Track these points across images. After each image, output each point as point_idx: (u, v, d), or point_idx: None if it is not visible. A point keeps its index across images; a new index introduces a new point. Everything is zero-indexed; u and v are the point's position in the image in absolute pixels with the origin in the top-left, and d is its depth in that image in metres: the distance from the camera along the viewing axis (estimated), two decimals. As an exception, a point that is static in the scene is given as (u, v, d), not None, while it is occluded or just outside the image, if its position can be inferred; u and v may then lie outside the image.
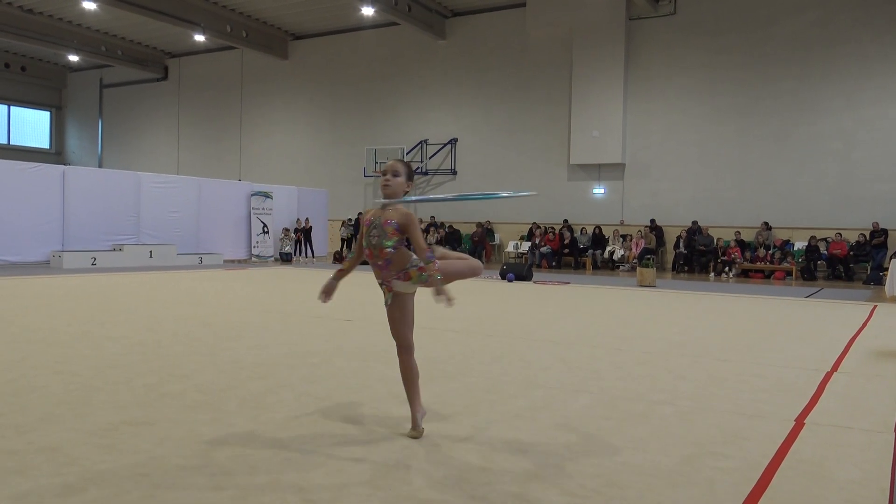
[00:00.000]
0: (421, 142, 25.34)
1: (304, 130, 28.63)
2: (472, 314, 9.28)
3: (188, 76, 31.84)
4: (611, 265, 21.07)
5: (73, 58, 29.88)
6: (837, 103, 19.41)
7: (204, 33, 25.08)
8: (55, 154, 36.34)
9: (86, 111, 35.79)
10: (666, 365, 6.14)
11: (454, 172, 24.90)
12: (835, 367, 6.19)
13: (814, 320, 9.77)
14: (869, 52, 19.06)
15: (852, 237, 18.63)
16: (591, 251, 21.19)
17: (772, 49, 20.10)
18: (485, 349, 6.67)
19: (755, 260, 18.90)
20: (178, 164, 31.90)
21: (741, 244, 19.41)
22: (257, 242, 21.57)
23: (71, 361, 5.69)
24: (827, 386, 5.41)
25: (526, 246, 21.78)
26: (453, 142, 24.97)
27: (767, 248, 19.02)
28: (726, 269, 18.88)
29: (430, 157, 25.18)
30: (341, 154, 27.35)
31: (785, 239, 19.55)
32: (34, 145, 36.02)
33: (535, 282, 15.44)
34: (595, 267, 21.02)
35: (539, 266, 20.65)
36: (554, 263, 21.00)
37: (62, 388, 4.78)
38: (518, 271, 15.88)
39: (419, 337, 7.29)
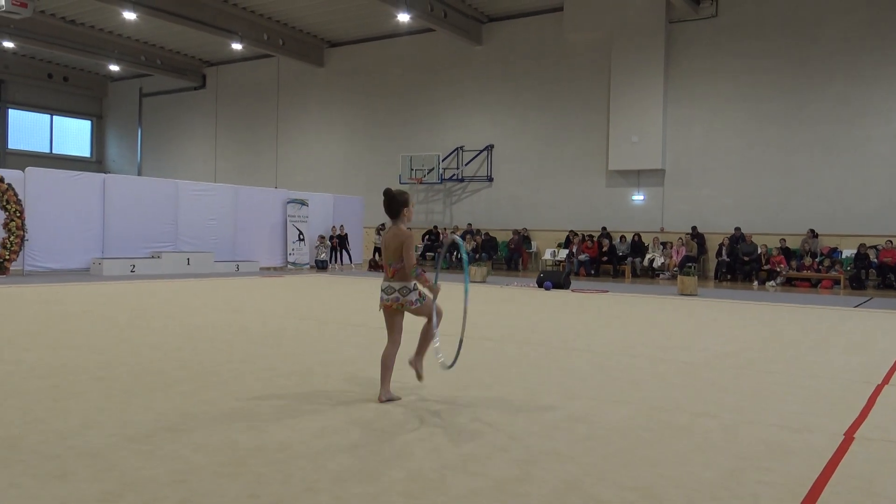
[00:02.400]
0: (457, 148, 25.37)
1: (340, 137, 28.87)
2: (508, 323, 9.25)
3: (225, 84, 32.35)
4: (651, 273, 20.83)
5: (114, 67, 30.59)
6: (888, 105, 18.95)
7: (241, 42, 25.48)
8: (96, 162, 37.20)
9: (125, 120, 36.58)
10: (708, 376, 6.05)
11: (490, 179, 24.88)
12: (886, 380, 6.03)
13: (863, 331, 9.54)
14: (921, 54, 18.62)
15: (904, 245, 18.16)
16: (630, 259, 20.98)
17: (818, 51, 19.73)
18: (522, 358, 6.64)
19: (801, 268, 18.53)
20: (215, 171, 32.39)
21: (786, 252, 19.05)
22: (293, 250, 21.77)
23: (111, 367, 5.80)
24: (878, 399, 5.28)
25: (563, 254, 21.65)
26: (489, 148, 24.96)
27: (814, 256, 18.64)
28: (771, 277, 18.55)
29: (465, 164, 25.20)
30: (376, 161, 27.52)
31: (832, 246, 19.13)
32: (76, 154, 36.92)
33: (572, 290, 15.34)
34: (634, 275, 20.80)
35: (577, 274, 20.52)
36: (592, 271, 20.84)
37: (102, 394, 4.88)
38: (555, 279, 15.79)
39: (448, 344, 7.27)
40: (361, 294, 13.61)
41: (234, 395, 4.92)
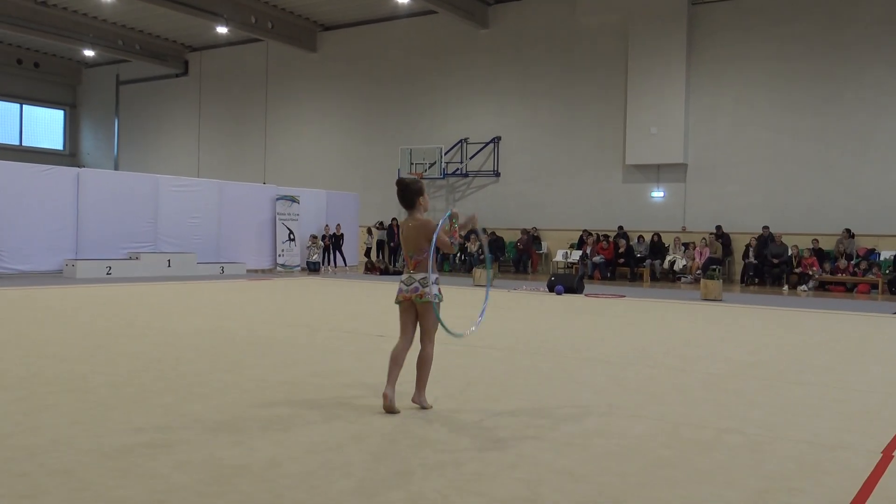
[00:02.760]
0: (461, 140, 25.39)
1: (334, 129, 28.91)
2: (517, 331, 9.25)
3: (210, 71, 32.41)
4: (671, 277, 20.82)
5: (89, 53, 30.68)
6: (930, 95, 18.96)
7: (227, 25, 25.53)
8: (69, 156, 37.28)
9: (101, 110, 36.67)
10: (734, 388, 6.05)
11: (497, 174, 24.89)
12: (928, 393, 6.03)
13: (903, 339, 9.53)
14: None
15: (947, 246, 18.14)
16: (648, 261, 20.97)
17: (854, 34, 19.71)
18: (531, 369, 6.64)
19: (835, 271, 18.50)
20: (198, 165, 32.45)
21: (819, 254, 19.03)
22: (283, 251, 21.79)
23: (85, 378, 5.82)
24: (919, 414, 5.28)
25: (576, 255, 21.65)
26: (496, 140, 24.97)
27: (849, 257, 18.61)
28: (802, 281, 18.53)
29: (470, 158, 25.22)
30: (374, 154, 27.55)
31: (870, 248, 19.10)
32: (47, 146, 37.00)
33: (586, 295, 15.33)
34: (653, 279, 20.79)
35: (591, 277, 20.51)
36: (608, 275, 20.83)
37: (75, 408, 4.89)
38: (568, 283, 15.79)
39: (458, 355, 7.23)
40: (356, 299, 13.61)
41: (218, 408, 4.93)
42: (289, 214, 21.98)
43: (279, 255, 21.73)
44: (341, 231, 22.91)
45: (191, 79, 33.06)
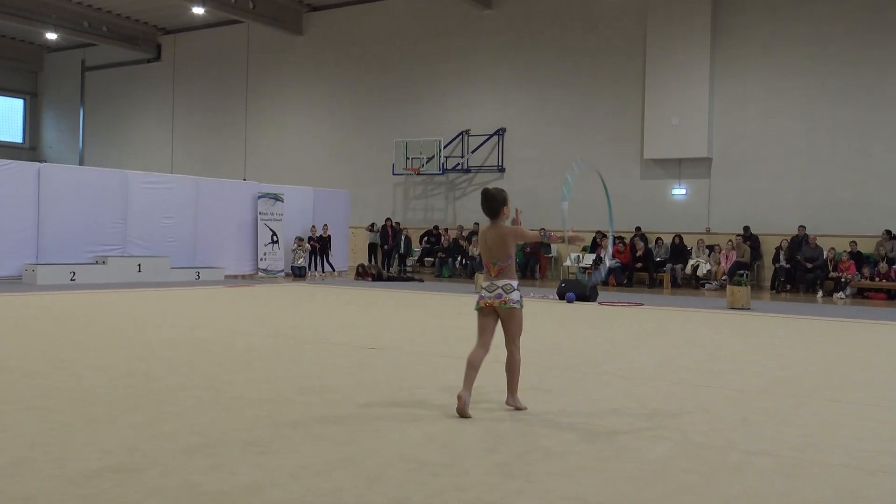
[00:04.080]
0: (462, 133, 25.40)
1: (322, 120, 28.92)
2: (524, 341, 9.24)
3: (185, 56, 32.43)
4: (694, 283, 20.81)
5: (51, 36, 30.66)
6: (979, 82, 18.99)
7: (203, 5, 25.55)
8: (29, 149, 37.29)
9: (65, 98, 36.69)
10: (764, 406, 6.04)
11: (501, 169, 24.90)
12: (978, 411, 6.03)
13: (951, 352, 9.53)
14: None
15: None
16: (669, 266, 20.98)
17: (895, 15, 19.74)
18: (540, 385, 6.64)
19: (875, 277, 18.51)
20: (172, 160, 32.46)
21: (857, 257, 19.04)
22: (265, 254, 21.77)
23: (47, 395, 5.81)
24: (968, 434, 5.27)
25: (589, 259, 21.66)
26: (501, 133, 24.98)
27: (891, 261, 18.63)
28: (839, 288, 18.53)
29: (472, 152, 25.23)
30: (365, 148, 27.56)
31: (913, 251, 19.13)
32: (5, 139, 37.02)
33: (600, 303, 15.33)
34: (675, 285, 20.79)
35: (606, 283, 20.52)
36: (624, 281, 20.83)
37: (36, 428, 4.88)
38: (580, 290, 15.79)
39: (450, 367, 7.28)
40: (347, 307, 13.61)
41: (194, 428, 4.93)
42: (272, 214, 21.96)
43: (261, 260, 21.70)
44: (329, 233, 22.90)
45: (164, 64, 33.08)
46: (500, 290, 5.55)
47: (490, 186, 5.74)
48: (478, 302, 5.67)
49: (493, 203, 5.61)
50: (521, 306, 5.61)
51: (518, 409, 5.62)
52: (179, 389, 6.13)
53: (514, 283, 5.60)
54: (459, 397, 5.40)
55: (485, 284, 5.66)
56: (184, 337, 9.16)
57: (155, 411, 5.37)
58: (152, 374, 6.72)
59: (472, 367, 5.52)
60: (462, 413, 5.35)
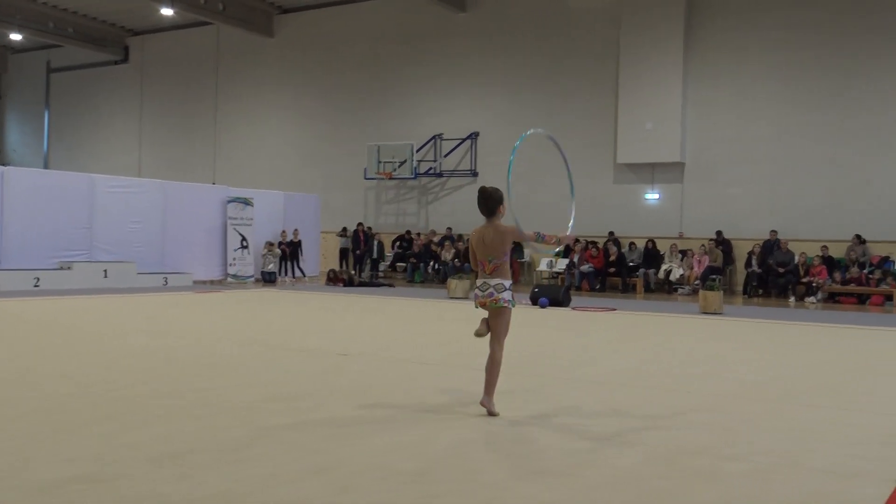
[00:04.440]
0: (434, 137, 25.42)
1: (292, 124, 28.83)
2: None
3: (153, 58, 32.20)
4: (667, 287, 20.96)
5: (16, 36, 30.32)
6: (948, 88, 19.30)
7: (172, 6, 25.38)
8: (-8, 152, 36.83)
9: (30, 100, 36.27)
10: (737, 411, 6.09)
11: (475, 174, 24.95)
12: (948, 415, 6.12)
13: (921, 357, 9.67)
14: None
15: (968, 253, 18.44)
16: (642, 270, 21.11)
17: (868, 22, 20.01)
18: (512, 391, 6.64)
19: (847, 281, 18.73)
20: (139, 164, 32.20)
21: (829, 262, 19.27)
22: (234, 259, 21.66)
23: (9, 405, 5.73)
24: (938, 438, 5.35)
25: (562, 264, 21.74)
26: (474, 137, 25.03)
27: (862, 266, 18.86)
28: (810, 292, 18.74)
29: (445, 156, 25.26)
30: (337, 152, 27.49)
31: (884, 255, 19.37)
32: (-33, 142, 36.54)
33: (573, 308, 15.38)
34: (648, 290, 20.92)
35: (579, 288, 20.60)
36: (597, 286, 20.93)
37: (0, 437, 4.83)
38: (553, 295, 15.84)
39: (423, 374, 7.24)
40: (318, 313, 13.56)
41: (162, 438, 4.88)
42: (241, 219, 21.85)
43: (230, 265, 21.58)
44: (299, 237, 22.81)
45: (131, 66, 32.83)
46: (492, 290, 5.72)
47: (487, 186, 5.95)
48: (475, 301, 5.91)
49: (490, 201, 5.79)
50: (513, 306, 5.77)
51: (490, 413, 5.61)
52: (147, 398, 6.08)
53: (507, 282, 5.75)
54: (482, 404, 5.66)
55: (478, 283, 5.81)
56: (151, 344, 9.09)
57: (121, 420, 5.31)
58: (119, 383, 6.66)
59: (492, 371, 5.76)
60: (490, 413, 5.61)
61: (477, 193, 5.93)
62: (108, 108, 33.62)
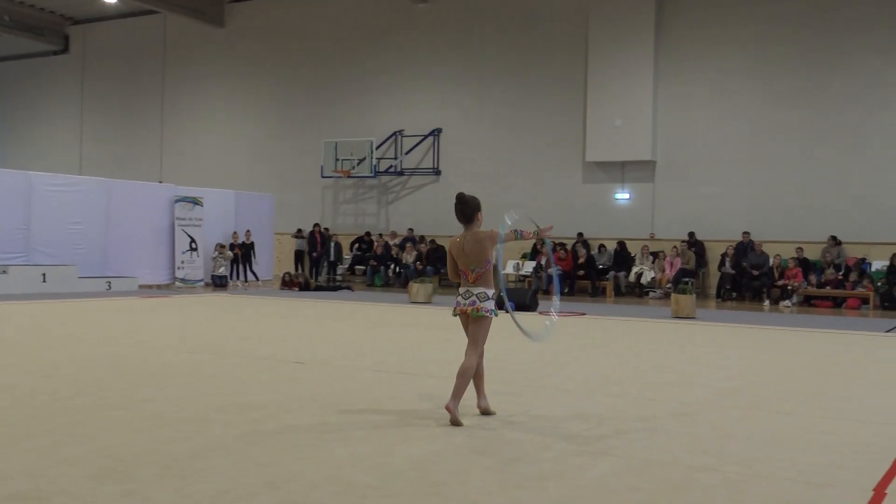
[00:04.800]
0: (395, 133, 25.39)
1: (244, 119, 28.64)
2: (459, 356, 9.26)
3: (95, 49, 31.81)
4: (638, 291, 21.12)
5: (-54, 24, 29.80)
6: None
7: (116, -6, 25.10)
8: (-79, 148, 36.14)
9: (-39, 93, 35.67)
10: (710, 420, 6.17)
11: (437, 172, 24.96)
12: (924, 422, 6.25)
13: (897, 361, 9.85)
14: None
15: (945, 255, 18.81)
16: (612, 273, 21.25)
17: (845, 17, 20.33)
18: (476, 400, 6.66)
19: (822, 284, 19.01)
20: (80, 161, 31.80)
21: (804, 264, 19.54)
22: (183, 262, 21.47)
23: (-61, 418, 5.64)
24: (914, 446, 5.46)
25: (529, 266, 21.83)
26: (436, 133, 25.05)
27: (838, 268, 19.14)
28: (785, 295, 18.99)
29: (406, 153, 25.24)
30: (292, 149, 27.36)
31: (860, 257, 19.68)
32: None
33: (540, 312, 15.44)
34: (618, 293, 21.07)
35: (546, 292, 20.69)
36: (566, 289, 21.04)
37: (-73, 453, 4.74)
38: (519, 299, 15.89)
39: (383, 382, 7.25)
40: (272, 319, 13.49)
41: (105, 452, 4.83)
42: (190, 219, 21.67)
43: (178, 268, 21.40)
44: (252, 239, 22.67)
45: (72, 57, 32.39)
46: (474, 298, 5.85)
47: (465, 193, 6.07)
48: (454, 309, 5.99)
49: (467, 208, 5.95)
50: (496, 315, 5.92)
51: (453, 420, 5.66)
52: (88, 410, 6.01)
53: (490, 291, 5.88)
54: (479, 406, 5.98)
55: (461, 291, 5.93)
56: (93, 353, 8.98)
57: (61, 434, 5.25)
58: (58, 394, 6.58)
59: (478, 375, 5.97)
60: (485, 412, 5.97)
61: (455, 200, 6.04)
62: (46, 102, 33.14)
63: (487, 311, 5.83)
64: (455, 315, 6.00)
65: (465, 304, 5.86)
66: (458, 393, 5.73)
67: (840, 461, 5.00)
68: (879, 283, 18.66)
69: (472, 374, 5.83)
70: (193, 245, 21.66)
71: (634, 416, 6.22)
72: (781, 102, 20.89)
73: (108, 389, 6.83)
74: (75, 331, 11.14)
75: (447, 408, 5.68)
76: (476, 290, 5.85)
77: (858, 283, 18.61)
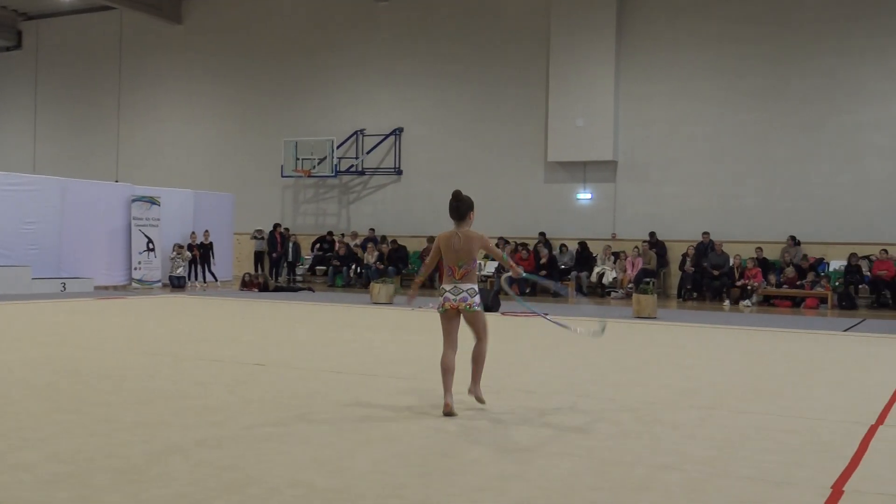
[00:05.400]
0: (356, 132, 25.33)
1: (203, 117, 28.40)
2: (421, 357, 9.28)
3: (49, 45, 31.37)
4: (600, 291, 21.25)
5: None
6: (884, 87, 20.00)
7: (70, -11, 24.78)
8: None
9: None
10: (671, 419, 6.23)
11: (399, 172, 24.93)
12: (881, 420, 6.35)
13: (854, 360, 10.01)
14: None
15: (901, 255, 19.16)
16: (574, 273, 21.37)
17: (801, 18, 20.64)
18: (440, 402, 6.66)
19: (781, 284, 19.27)
20: (34, 159, 31.35)
21: (763, 264, 19.78)
22: (140, 263, 21.27)
23: None
24: (871, 443, 5.55)
25: (491, 267, 21.89)
26: (398, 133, 25.02)
27: (796, 268, 19.40)
28: (745, 295, 19.22)
29: (367, 153, 25.18)
30: (251, 148, 27.19)
31: (818, 257, 19.99)
32: None
33: (502, 313, 15.48)
34: (580, 293, 21.16)
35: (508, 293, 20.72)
36: (528, 290, 21.12)
37: None
38: (482, 300, 15.91)
39: (344, 384, 7.25)
40: (231, 320, 13.39)
41: (58, 457, 4.77)
42: (147, 219, 21.47)
43: (135, 269, 21.19)
44: (210, 239, 22.50)
45: (25, 53, 31.92)
46: (465, 294, 6.18)
47: (460, 191, 6.45)
48: (442, 304, 6.22)
49: (462, 206, 6.27)
50: (482, 307, 6.35)
51: (478, 399, 6.29)
52: (43, 413, 5.93)
53: (476, 287, 6.27)
54: (447, 404, 6.05)
55: (448, 287, 6.21)
56: (47, 355, 8.86)
57: (13, 438, 5.17)
58: (12, 397, 6.49)
59: (449, 371, 6.15)
60: (448, 413, 6.02)
61: (450, 197, 6.36)
62: (-1, 99, 32.69)
63: (478, 306, 6.22)
64: (442, 311, 6.23)
65: (455, 301, 6.15)
66: (476, 377, 6.33)
67: (799, 459, 5.07)
68: (837, 283, 18.96)
69: (484, 356, 6.33)
70: (151, 245, 21.46)
71: (596, 415, 6.26)
72: (741, 103, 21.15)
73: (62, 393, 6.75)
74: (28, 333, 10.98)
75: (469, 392, 6.32)
76: (465, 287, 6.18)
77: (816, 283, 18.87)
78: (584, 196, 22.82)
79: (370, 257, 23.16)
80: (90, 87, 30.38)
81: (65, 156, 30.53)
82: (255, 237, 25.32)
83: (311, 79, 26.40)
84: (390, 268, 22.38)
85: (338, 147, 24.94)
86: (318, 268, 24.73)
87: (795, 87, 20.65)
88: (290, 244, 24.53)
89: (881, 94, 19.98)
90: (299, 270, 24.85)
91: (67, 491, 4.13)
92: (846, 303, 18.44)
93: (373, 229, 24.71)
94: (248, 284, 21.21)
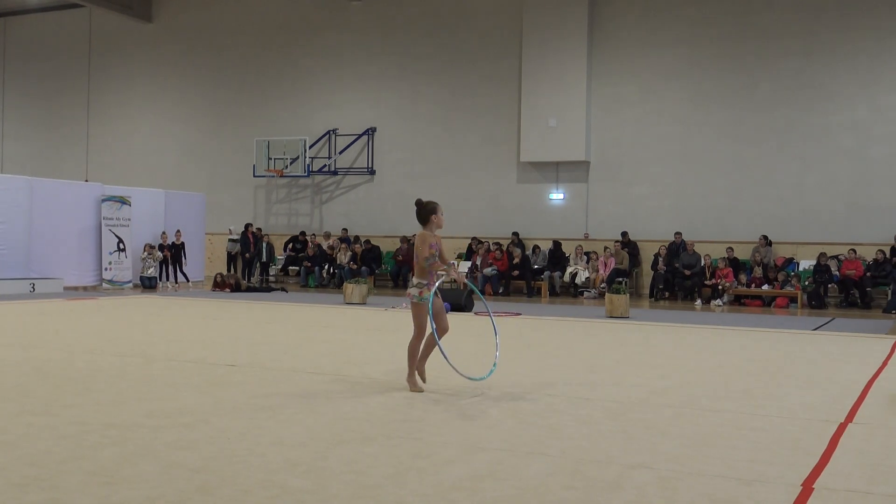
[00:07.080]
0: (328, 132, 25.27)
1: (174, 116, 28.21)
2: (392, 357, 9.27)
3: (17, 43, 31.04)
4: (572, 291, 21.34)
5: None
6: (851, 89, 20.24)
7: (39, -14, 24.54)
8: None
9: None
10: (642, 418, 6.26)
11: (372, 172, 24.91)
12: (849, 418, 6.42)
13: (823, 359, 10.11)
14: (888, 26, 19.97)
15: (869, 254, 19.39)
16: (547, 273, 21.45)
17: (769, 18, 20.85)
18: (412, 403, 6.67)
19: (751, 283, 19.45)
20: (2, 158, 31.03)
21: (734, 263, 19.96)
22: (110, 263, 21.11)
23: None
24: (840, 441, 5.61)
25: (465, 266, 21.91)
26: (370, 132, 24.99)
27: (767, 268, 19.59)
28: (716, 295, 19.38)
29: (340, 153, 25.13)
30: (224, 147, 27.05)
31: (788, 257, 20.20)
32: None
33: (475, 313, 15.52)
34: (552, 293, 21.27)
35: (482, 293, 20.79)
36: (500, 290, 21.17)
37: None
38: (454, 299, 15.93)
39: (317, 385, 7.26)
40: (203, 321, 13.32)
41: (28, 459, 4.73)
42: (118, 219, 21.31)
43: (106, 269, 21.03)
44: (182, 239, 22.38)
45: (-8, 52, 31.61)
46: (414, 287, 7.11)
47: (422, 199, 7.45)
48: (420, 294, 7.02)
49: (422, 211, 7.26)
50: (418, 300, 7.03)
51: (422, 377, 7.25)
52: (12, 416, 5.87)
53: (423, 280, 7.08)
54: (408, 382, 7.14)
55: (413, 282, 7.18)
56: (15, 357, 8.78)
57: (-19, 441, 5.12)
58: (-22, 400, 6.42)
59: (411, 355, 7.16)
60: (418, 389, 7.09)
61: (414, 204, 7.40)
62: (-35, 97, 32.29)
63: (416, 298, 7.04)
64: (430, 298, 6.95)
65: (409, 293, 7.17)
66: (411, 369, 7.20)
67: (770, 457, 5.12)
68: (806, 283, 19.15)
69: (414, 351, 7.14)
70: (121, 245, 21.31)
71: (569, 415, 6.29)
72: (711, 103, 21.33)
73: (31, 395, 6.69)
74: (-4, 334, 10.88)
75: (406, 380, 7.18)
76: (416, 281, 7.12)
77: (786, 283, 19.07)
78: (557, 196, 22.91)
79: (343, 257, 23.12)
80: (59, 85, 30.09)
81: (33, 155, 30.24)
82: (229, 238, 25.14)
83: (284, 78, 26.31)
84: (364, 268, 22.35)
85: (310, 147, 24.89)
86: (290, 268, 24.65)
87: (764, 88, 20.85)
88: (264, 244, 24.44)
89: (849, 95, 20.22)
90: (272, 271, 24.75)
91: (37, 494, 4.10)
92: (815, 302, 18.64)
93: (346, 229, 24.66)
94: (220, 285, 21.11)
